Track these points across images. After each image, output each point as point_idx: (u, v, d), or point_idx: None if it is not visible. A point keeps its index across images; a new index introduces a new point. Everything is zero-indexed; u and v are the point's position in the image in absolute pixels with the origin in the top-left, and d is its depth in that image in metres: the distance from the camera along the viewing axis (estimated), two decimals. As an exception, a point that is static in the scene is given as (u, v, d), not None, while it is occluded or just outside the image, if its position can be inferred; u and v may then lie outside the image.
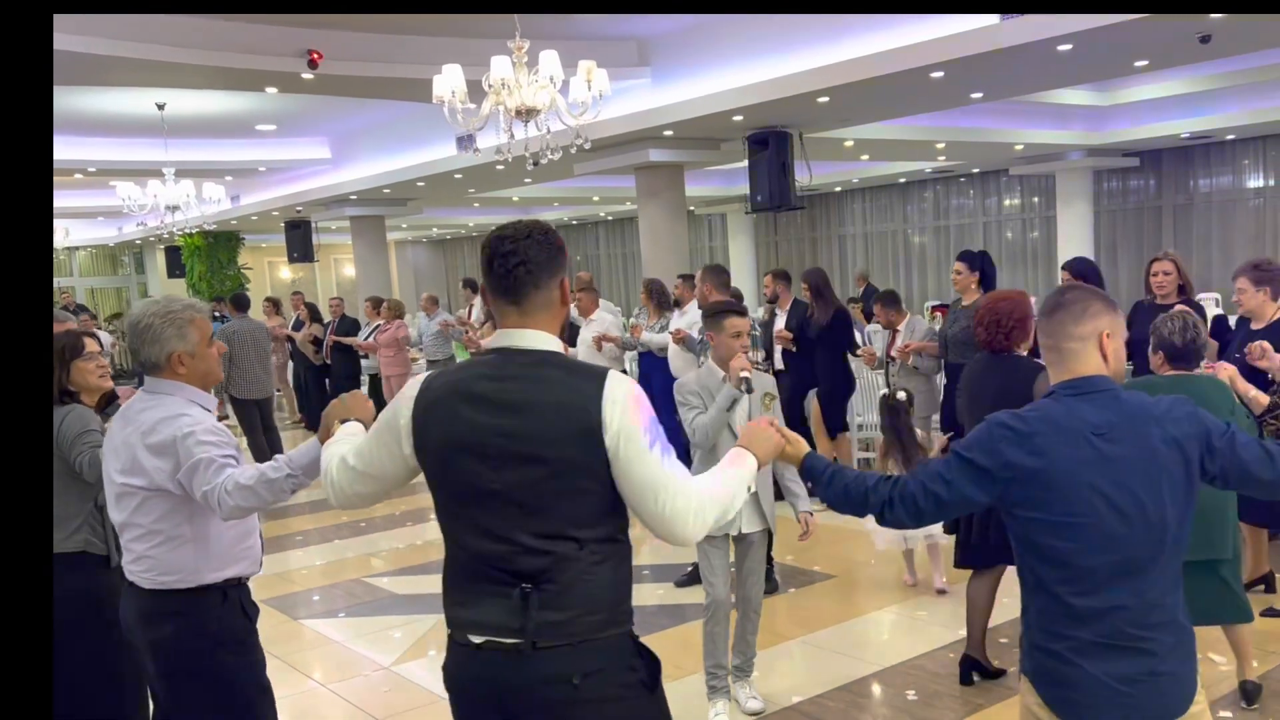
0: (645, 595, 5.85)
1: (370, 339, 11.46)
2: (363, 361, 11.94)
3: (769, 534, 4.27)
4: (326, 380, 12.45)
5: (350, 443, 2.38)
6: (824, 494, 2.40)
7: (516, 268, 2.14)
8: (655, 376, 7.89)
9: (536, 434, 2.07)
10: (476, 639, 2.13)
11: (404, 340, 11.29)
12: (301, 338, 12.31)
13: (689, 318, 7.81)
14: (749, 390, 3.91)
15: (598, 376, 2.11)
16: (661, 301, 8.35)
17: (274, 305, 13.69)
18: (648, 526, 2.14)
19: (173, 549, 2.72)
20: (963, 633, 4.97)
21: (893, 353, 7.05)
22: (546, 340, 2.18)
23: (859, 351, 7.45)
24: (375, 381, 11.70)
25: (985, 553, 4.27)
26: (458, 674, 2.20)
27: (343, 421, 2.57)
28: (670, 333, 7.82)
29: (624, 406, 2.08)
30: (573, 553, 2.08)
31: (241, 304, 10.14)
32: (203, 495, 2.61)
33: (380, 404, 10.63)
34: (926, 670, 4.55)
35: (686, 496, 2.11)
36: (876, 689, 4.41)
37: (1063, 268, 6.24)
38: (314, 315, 12.69)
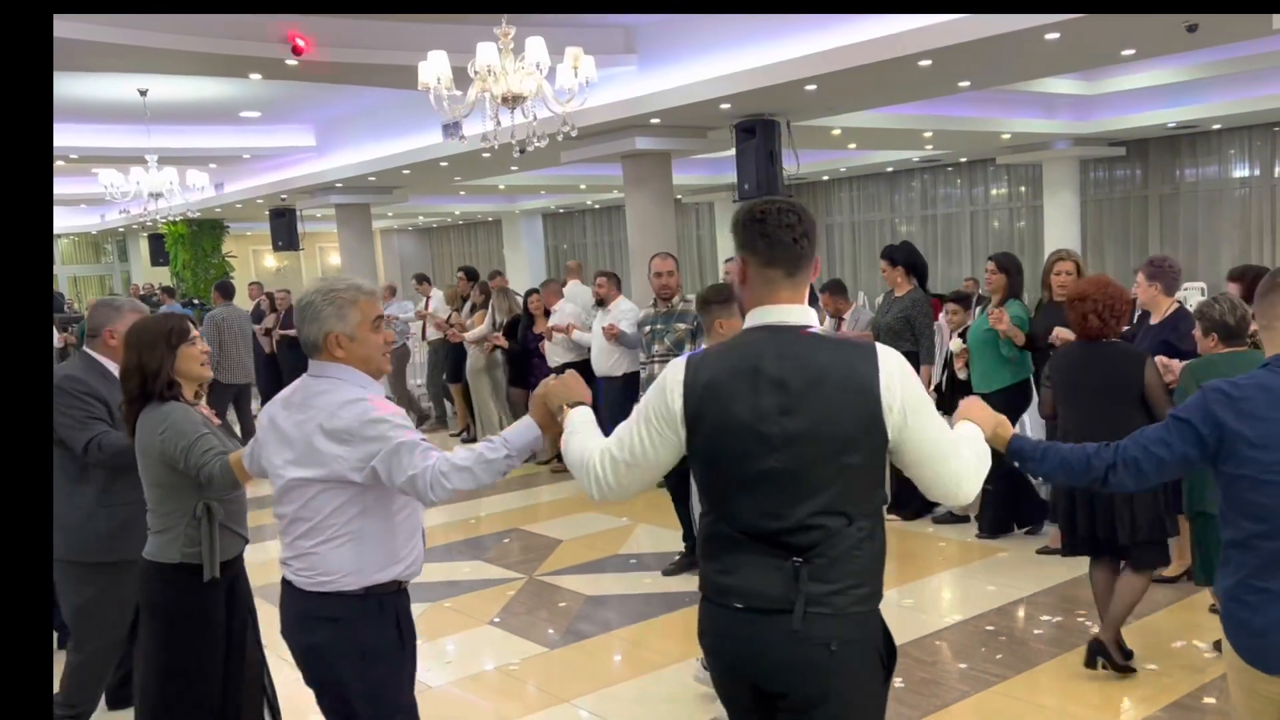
0: (633, 584, 5.85)
1: None
2: None
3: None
4: (280, 369, 12.35)
5: (599, 433, 2.34)
6: (1039, 469, 2.52)
7: (802, 239, 2.16)
8: None
9: (816, 411, 2.08)
10: (738, 604, 2.15)
11: None
12: (262, 329, 12.14)
13: (613, 315, 7.85)
14: None
15: (869, 351, 2.13)
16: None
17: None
18: (931, 489, 2.19)
19: (337, 546, 2.56)
20: (950, 620, 4.99)
21: None
22: (809, 315, 2.20)
23: None
24: None
25: (1092, 544, 4.22)
26: (716, 635, 2.22)
27: (570, 406, 2.43)
28: (603, 329, 7.74)
29: (901, 380, 2.11)
30: (843, 527, 2.11)
31: (227, 291, 10.34)
32: (408, 480, 2.43)
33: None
34: (913, 657, 4.55)
35: (964, 453, 2.19)
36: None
37: (989, 258, 6.40)
38: (274, 304, 12.43)
